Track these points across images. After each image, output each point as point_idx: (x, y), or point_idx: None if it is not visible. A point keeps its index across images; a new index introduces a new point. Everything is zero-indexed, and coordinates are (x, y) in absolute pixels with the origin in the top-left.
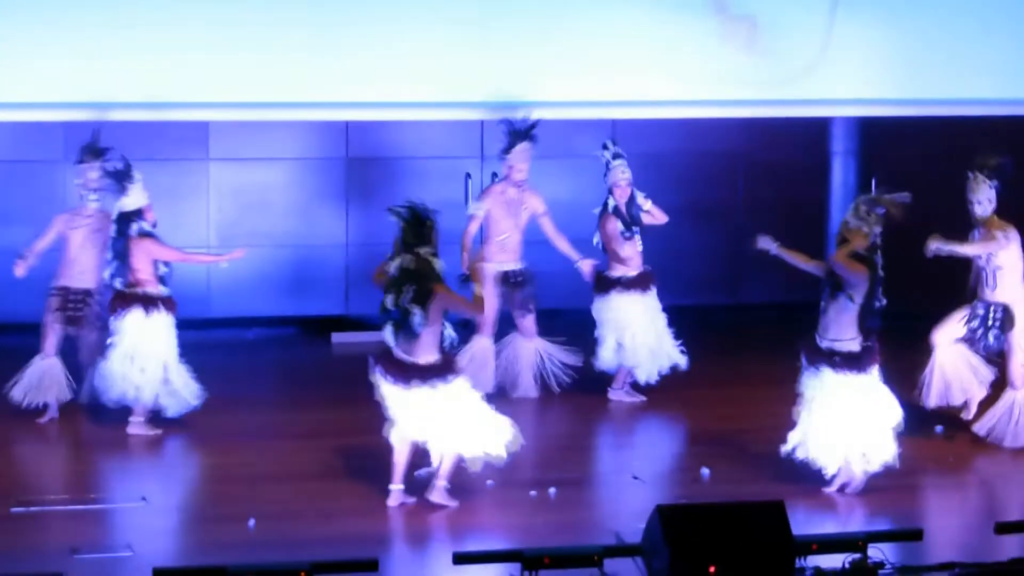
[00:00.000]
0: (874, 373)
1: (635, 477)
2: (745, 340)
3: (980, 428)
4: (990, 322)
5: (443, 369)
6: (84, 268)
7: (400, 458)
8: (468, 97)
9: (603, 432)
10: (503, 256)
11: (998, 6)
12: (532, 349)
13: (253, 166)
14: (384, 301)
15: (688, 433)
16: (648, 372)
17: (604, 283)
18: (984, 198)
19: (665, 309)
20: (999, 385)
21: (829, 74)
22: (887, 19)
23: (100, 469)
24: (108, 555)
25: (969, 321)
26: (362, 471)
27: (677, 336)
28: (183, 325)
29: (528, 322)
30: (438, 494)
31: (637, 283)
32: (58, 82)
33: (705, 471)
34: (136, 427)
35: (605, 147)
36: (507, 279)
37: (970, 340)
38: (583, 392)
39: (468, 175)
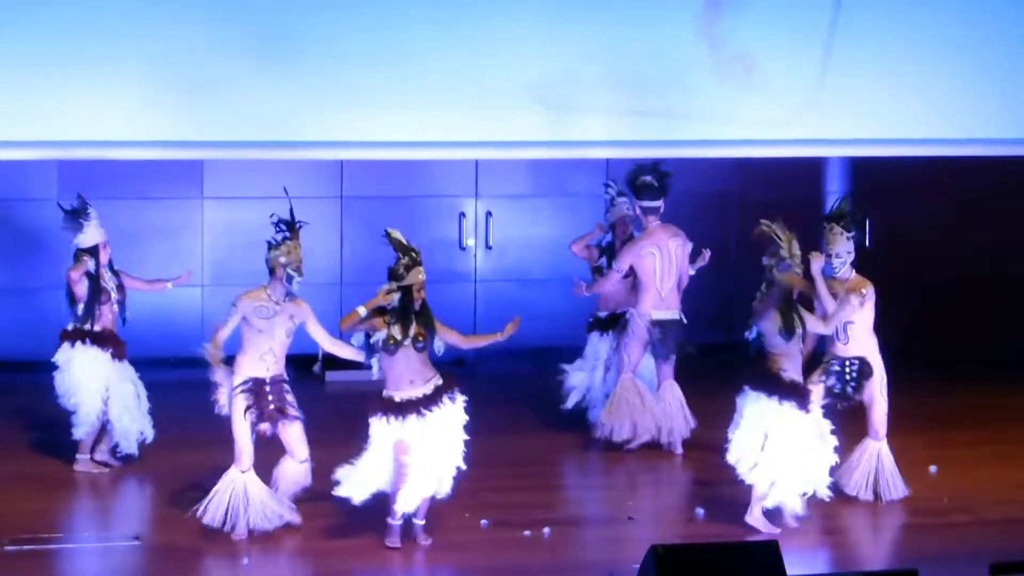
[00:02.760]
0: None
1: (630, 517)
2: (737, 380)
3: (850, 489)
4: (847, 376)
5: (434, 397)
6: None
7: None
8: (463, 137)
9: (596, 472)
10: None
11: (991, 47)
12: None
13: (247, 204)
14: None
15: (682, 472)
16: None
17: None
18: (843, 251)
19: None
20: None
21: (824, 114)
22: (881, 60)
23: (95, 508)
24: None
25: (826, 379)
26: (356, 510)
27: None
28: (178, 364)
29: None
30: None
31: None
32: (52, 121)
33: (700, 511)
34: (82, 464)
35: (608, 185)
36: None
37: (830, 397)
38: (576, 431)
39: (462, 214)
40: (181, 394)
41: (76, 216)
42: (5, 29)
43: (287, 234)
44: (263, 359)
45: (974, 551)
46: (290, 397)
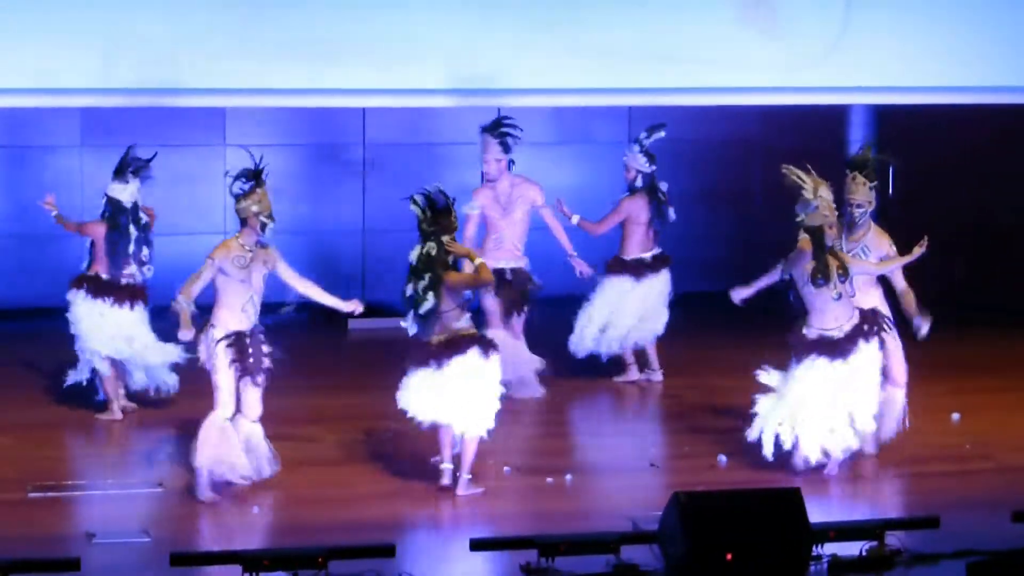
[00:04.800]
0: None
1: (652, 464)
2: (760, 327)
3: (884, 435)
4: (865, 329)
5: (466, 343)
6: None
7: (445, 438)
8: (486, 84)
9: (618, 419)
10: (498, 254)
11: None
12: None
13: (270, 152)
14: (404, 289)
15: (703, 420)
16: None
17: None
18: (864, 200)
19: (680, 295)
20: None
21: (847, 61)
22: (904, 5)
23: (117, 454)
24: (126, 540)
25: None
26: (379, 457)
27: (692, 322)
28: (203, 312)
29: (515, 324)
30: (464, 487)
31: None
32: (77, 68)
33: (723, 458)
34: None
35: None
36: (500, 276)
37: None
38: (596, 379)
39: None
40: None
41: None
42: None
43: (254, 183)
44: (244, 310)
45: (996, 498)
46: (266, 348)
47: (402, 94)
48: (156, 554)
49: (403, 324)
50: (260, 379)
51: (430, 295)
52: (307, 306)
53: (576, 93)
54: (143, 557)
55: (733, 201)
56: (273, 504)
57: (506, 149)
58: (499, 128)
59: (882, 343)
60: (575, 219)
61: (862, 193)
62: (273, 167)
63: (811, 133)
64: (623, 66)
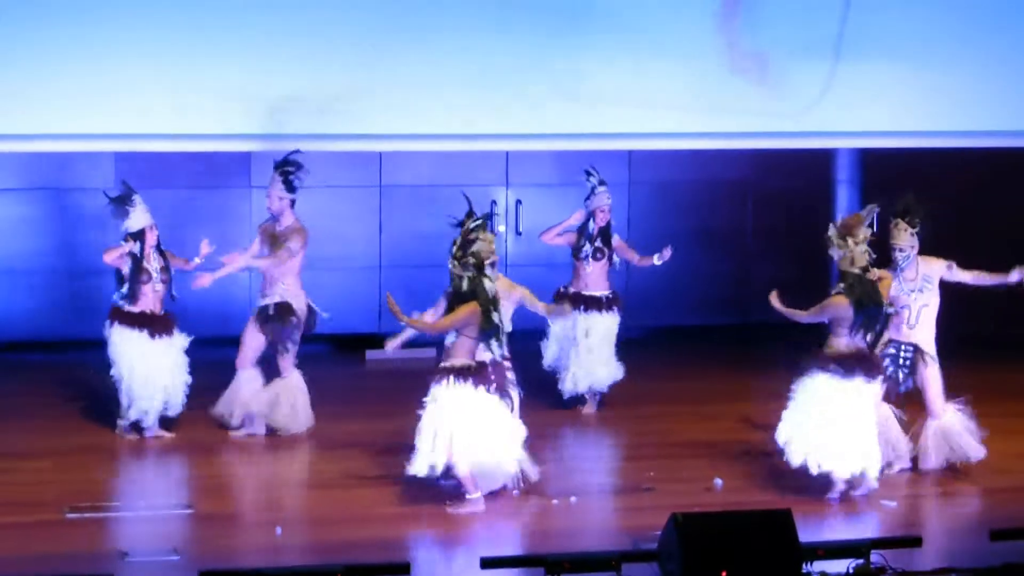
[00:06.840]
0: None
1: (650, 488)
2: (752, 358)
3: (924, 465)
4: (901, 361)
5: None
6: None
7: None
8: (494, 129)
9: (618, 445)
10: (266, 289)
11: (996, 41)
12: (287, 385)
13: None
14: (492, 318)
15: (699, 445)
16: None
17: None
18: (907, 245)
19: (676, 328)
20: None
21: (833, 108)
22: (889, 54)
23: (148, 478)
24: (156, 558)
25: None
26: (393, 479)
27: (687, 354)
28: (229, 341)
29: (283, 361)
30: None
31: (602, 303)
32: (109, 115)
33: (718, 481)
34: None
35: (589, 173)
36: (264, 312)
37: (885, 381)
38: (598, 407)
39: (494, 202)
40: (229, 371)
41: (121, 203)
42: (66, 31)
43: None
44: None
45: (976, 518)
46: (510, 375)
47: (415, 139)
48: (185, 572)
49: (490, 353)
50: (506, 403)
51: (506, 319)
52: (327, 337)
53: (579, 138)
54: (172, 574)
55: (727, 239)
56: (295, 524)
57: (289, 188)
58: (284, 168)
59: (915, 374)
60: (653, 260)
61: (903, 238)
62: (297, 207)
63: (799, 175)
64: (624, 113)
